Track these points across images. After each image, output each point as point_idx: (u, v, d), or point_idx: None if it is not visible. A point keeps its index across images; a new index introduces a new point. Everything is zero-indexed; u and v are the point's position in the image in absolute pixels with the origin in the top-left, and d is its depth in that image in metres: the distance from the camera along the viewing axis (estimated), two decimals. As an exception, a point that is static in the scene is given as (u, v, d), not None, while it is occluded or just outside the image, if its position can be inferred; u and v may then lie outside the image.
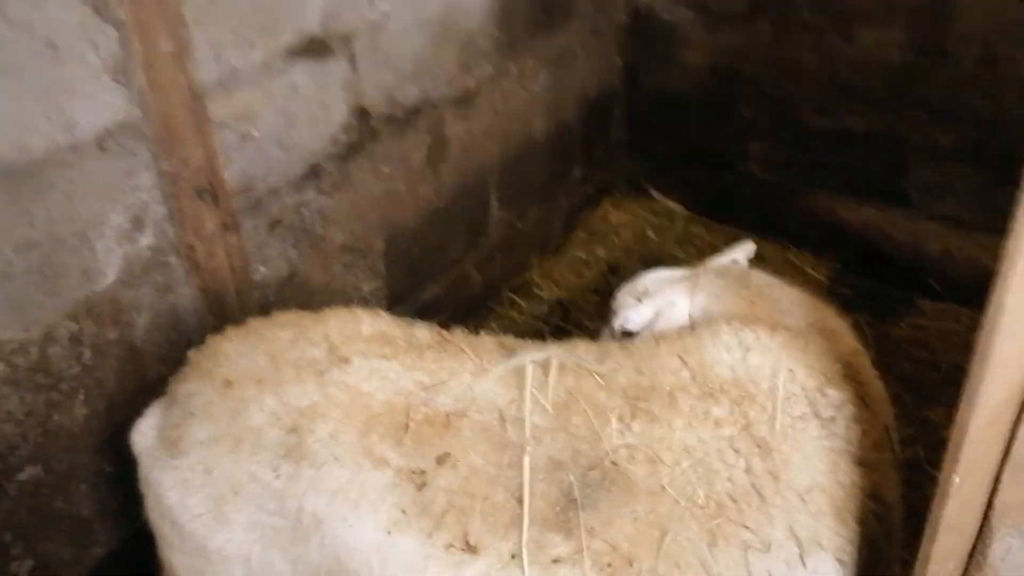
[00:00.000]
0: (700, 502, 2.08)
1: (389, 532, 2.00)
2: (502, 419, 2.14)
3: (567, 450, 2.11)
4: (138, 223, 2.71)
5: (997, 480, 1.80)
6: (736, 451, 2.15)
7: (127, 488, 2.41)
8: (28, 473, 2.66)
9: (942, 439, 3.52)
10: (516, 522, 2.03)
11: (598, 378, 2.23)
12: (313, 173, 3.37)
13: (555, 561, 2.01)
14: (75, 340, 2.66)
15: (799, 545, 2.14)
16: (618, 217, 5.57)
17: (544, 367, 2.24)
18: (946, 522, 1.69)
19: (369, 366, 2.17)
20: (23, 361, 2.54)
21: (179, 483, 2.12)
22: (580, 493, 2.05)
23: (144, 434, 2.24)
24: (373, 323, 2.30)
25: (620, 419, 2.16)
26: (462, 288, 4.59)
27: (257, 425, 2.10)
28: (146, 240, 2.76)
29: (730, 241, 5.39)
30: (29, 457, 2.65)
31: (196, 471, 2.11)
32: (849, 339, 2.53)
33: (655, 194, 5.69)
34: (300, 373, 2.15)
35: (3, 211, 2.36)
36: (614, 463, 2.09)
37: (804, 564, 2.15)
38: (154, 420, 2.25)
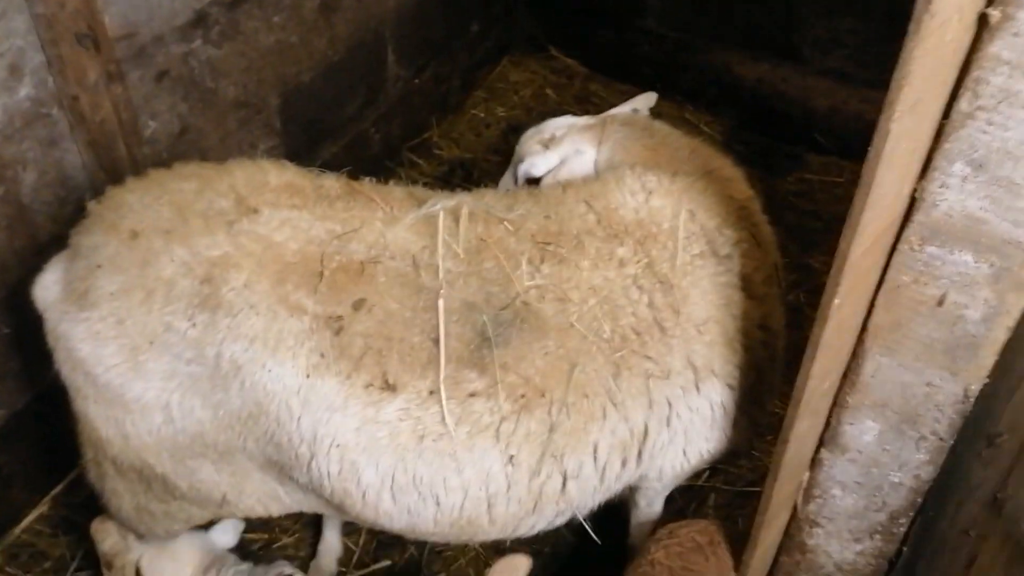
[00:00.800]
0: (606, 336, 2.23)
1: (308, 375, 2.06)
2: (415, 265, 2.19)
3: (480, 293, 2.19)
4: (15, 71, 2.53)
5: (872, 304, 1.98)
6: (640, 288, 2.28)
7: (28, 348, 2.36)
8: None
9: (821, 284, 3.77)
10: (433, 361, 2.12)
11: (508, 225, 2.30)
12: (200, 20, 3.18)
13: (471, 395, 2.13)
14: (-45, 197, 2.52)
15: (695, 372, 2.33)
16: (517, 75, 5.50)
17: (455, 215, 2.28)
18: (825, 342, 1.85)
19: (279, 216, 2.16)
20: (-100, 219, 2.40)
21: (91, 335, 2.10)
22: (493, 332, 2.15)
23: (48, 288, 2.18)
24: (280, 174, 2.28)
25: (530, 262, 2.25)
26: (361, 147, 4.50)
27: (168, 276, 2.07)
28: (25, 90, 2.58)
29: (628, 99, 5.46)
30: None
31: (108, 323, 2.09)
32: (744, 186, 2.67)
33: (554, 52, 5.63)
34: (209, 224, 2.12)
35: None
36: (525, 303, 2.20)
37: (698, 389, 2.35)
38: (57, 274, 2.19)
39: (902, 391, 2.04)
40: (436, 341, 2.12)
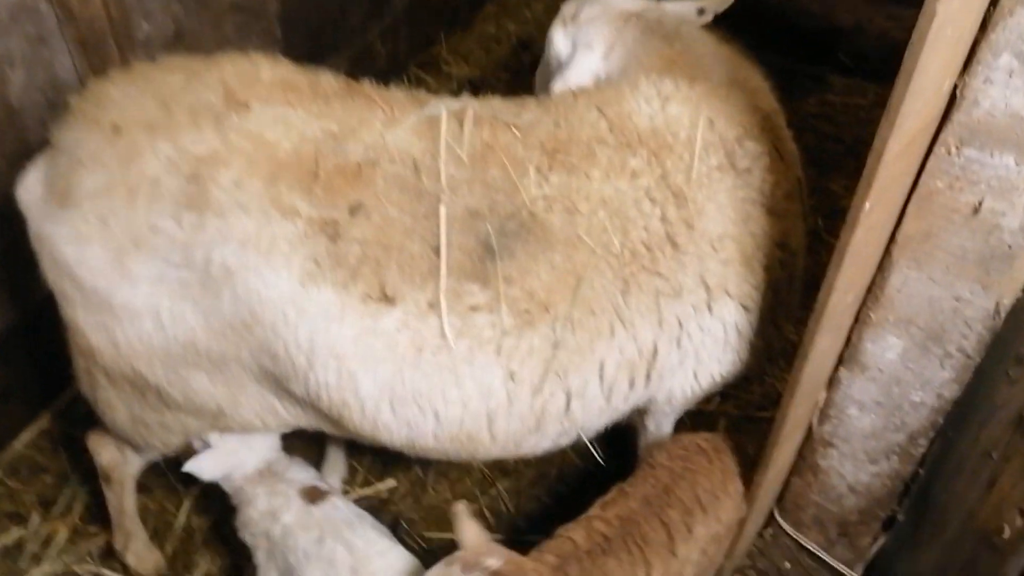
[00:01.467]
0: (615, 251, 2.12)
1: (303, 284, 1.97)
2: (417, 169, 2.07)
3: (484, 201, 2.08)
4: (-2, -37, 2.40)
5: (903, 212, 1.87)
6: (652, 201, 2.17)
7: (24, 259, 2.27)
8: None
9: (841, 208, 3.65)
10: (433, 272, 2.02)
11: (515, 131, 2.17)
12: (196, -84, 3.02)
13: (473, 309, 2.04)
14: (-61, 97, 2.41)
15: (707, 291, 2.23)
16: (530, -11, 5.30)
17: (459, 118, 2.15)
18: (853, 250, 1.75)
19: (272, 112, 2.03)
20: None
21: (74, 236, 2.00)
22: (497, 243, 2.05)
23: (30, 189, 2.08)
24: (273, 69, 2.13)
25: (538, 170, 2.12)
26: (366, 62, 4.33)
27: (153, 173, 1.97)
28: (8, -18, 2.45)
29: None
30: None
31: (91, 223, 1.99)
32: (770, 98, 2.52)
33: (568, -35, 5.41)
34: (196, 119, 1.99)
35: None
36: (532, 214, 2.09)
37: (711, 309, 2.25)
38: (40, 173, 2.08)
39: (929, 306, 1.95)
40: (437, 251, 2.02)
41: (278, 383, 2.14)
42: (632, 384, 2.25)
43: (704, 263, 2.20)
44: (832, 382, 2.22)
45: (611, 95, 2.30)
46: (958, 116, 1.69)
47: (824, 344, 1.99)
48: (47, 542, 2.91)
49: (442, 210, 2.03)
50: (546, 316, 2.08)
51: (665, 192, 2.17)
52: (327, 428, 2.33)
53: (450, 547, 2.97)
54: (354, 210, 2.00)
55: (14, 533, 2.92)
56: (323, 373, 2.02)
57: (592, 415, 2.26)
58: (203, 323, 2.06)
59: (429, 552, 2.95)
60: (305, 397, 2.12)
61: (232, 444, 2.43)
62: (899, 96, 1.49)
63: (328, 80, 2.18)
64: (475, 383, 2.07)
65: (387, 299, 1.99)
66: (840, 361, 2.17)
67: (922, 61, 1.44)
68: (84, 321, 2.12)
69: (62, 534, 2.93)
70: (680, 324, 2.23)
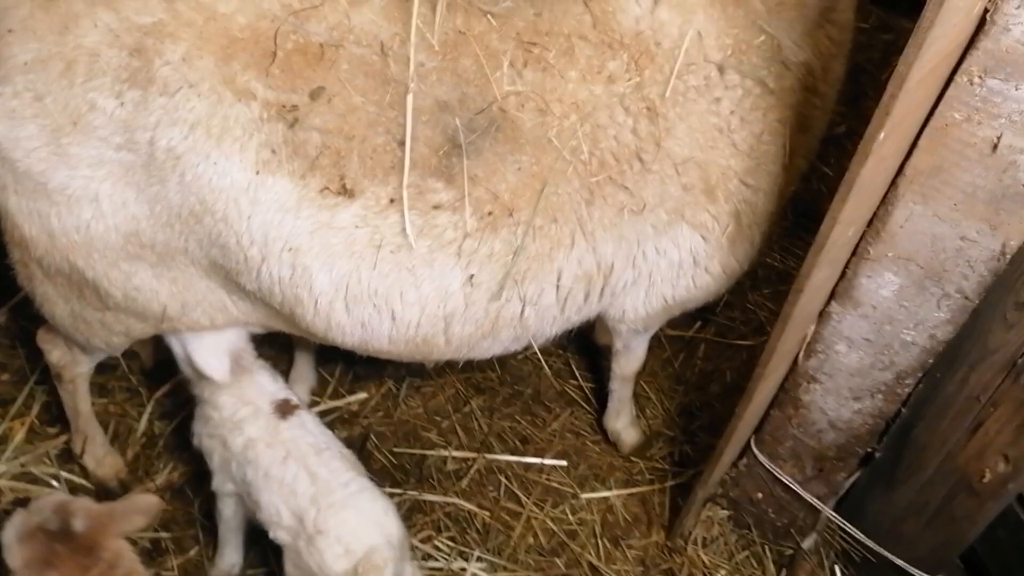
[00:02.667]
0: (583, 158, 2.01)
1: (258, 172, 1.85)
2: (384, 54, 1.92)
3: (454, 92, 1.95)
4: None
5: (914, 144, 1.76)
6: (626, 110, 2.04)
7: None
8: None
9: (835, 136, 3.50)
10: (397, 167, 1.91)
11: (491, 19, 2.01)
12: None
13: (436, 207, 1.95)
14: None
15: (666, 214, 2.13)
16: None
17: (432, 1, 1.98)
18: (860, 183, 1.64)
19: None
20: None
21: (5, 113, 1.85)
22: (465, 139, 1.93)
23: None
24: None
25: (511, 65, 1.98)
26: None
27: (91, 44, 1.81)
28: None
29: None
30: None
31: (24, 99, 1.84)
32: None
33: None
34: None
35: None
36: (502, 110, 1.97)
37: (667, 233, 2.17)
38: None
39: (932, 243, 1.86)
40: (402, 144, 1.90)
41: (228, 277, 2.04)
42: (587, 297, 2.21)
43: (665, 185, 2.10)
44: (822, 316, 2.15)
45: None
46: (985, 43, 1.57)
47: (821, 277, 1.91)
48: (2, 442, 2.83)
49: (409, 100, 1.90)
50: (509, 220, 2.00)
51: (639, 104, 2.04)
52: (278, 326, 2.25)
53: (420, 462, 2.96)
54: (315, 95, 1.87)
55: (-31, 433, 2.84)
56: (276, 267, 1.94)
57: (545, 323, 2.22)
58: (147, 211, 1.94)
59: (398, 468, 2.92)
60: (257, 292, 2.03)
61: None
62: (930, 17, 1.37)
63: None
64: (434, 285, 2.01)
65: (346, 192, 1.89)
66: (832, 295, 2.09)
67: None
68: (17, 208, 1.98)
69: (19, 434, 2.85)
70: (638, 243, 2.17)
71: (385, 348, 2.13)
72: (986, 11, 1.54)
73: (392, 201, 1.91)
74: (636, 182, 2.06)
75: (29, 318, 2.98)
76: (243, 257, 1.93)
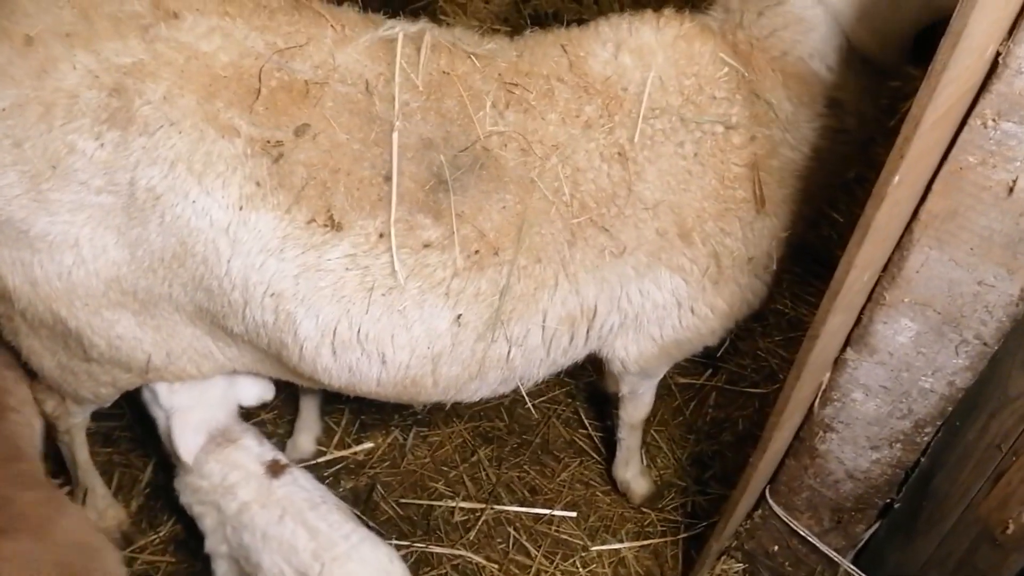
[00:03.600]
0: (565, 199, 2.02)
1: (241, 208, 1.84)
2: (368, 92, 1.94)
3: (438, 131, 1.97)
4: None
5: (928, 188, 1.75)
6: (602, 156, 2.05)
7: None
8: None
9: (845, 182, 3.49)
10: (384, 200, 1.91)
11: (474, 60, 2.03)
12: None
13: (426, 246, 1.94)
14: None
15: (646, 256, 2.13)
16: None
17: (416, 42, 2.00)
18: (876, 227, 1.63)
19: (207, 23, 1.88)
20: None
21: None
22: (450, 175, 1.94)
23: None
24: None
25: (494, 105, 2.00)
26: (356, 6, 4.14)
27: (70, 86, 1.81)
28: None
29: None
30: None
31: (3, 146, 1.83)
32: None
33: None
34: (119, 27, 1.84)
35: None
36: (486, 149, 1.98)
37: (648, 276, 2.16)
38: None
39: (949, 289, 1.84)
40: (388, 178, 1.90)
41: (214, 322, 2.03)
42: (572, 339, 2.19)
43: (640, 228, 2.10)
44: (838, 364, 2.11)
45: (579, 33, 2.15)
46: (998, 86, 1.56)
47: (836, 323, 1.88)
48: (7, 493, 2.78)
49: (395, 136, 1.91)
50: (495, 259, 2.00)
51: (611, 148, 2.06)
52: (265, 370, 2.23)
53: (427, 513, 2.90)
54: (300, 131, 1.88)
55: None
56: (259, 312, 1.92)
57: (532, 365, 2.20)
58: (128, 256, 1.93)
59: (405, 519, 2.86)
60: (244, 335, 2.02)
61: (185, 401, 2.28)
62: (943, 60, 1.36)
63: None
64: (424, 327, 1.99)
65: (334, 225, 1.89)
66: (848, 342, 2.06)
67: (972, 21, 1.31)
68: (0, 259, 1.97)
69: (22, 485, 2.80)
70: (620, 285, 2.16)
71: (373, 390, 2.11)
72: (998, 54, 1.54)
73: (381, 236, 1.90)
74: (614, 225, 2.07)
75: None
76: (226, 301, 1.92)
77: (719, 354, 3.30)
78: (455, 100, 1.98)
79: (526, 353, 2.12)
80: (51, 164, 1.83)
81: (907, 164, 1.53)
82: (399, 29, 1.98)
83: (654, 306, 2.20)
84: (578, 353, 2.27)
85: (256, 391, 2.38)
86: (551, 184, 2.00)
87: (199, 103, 1.82)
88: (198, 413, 2.27)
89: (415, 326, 1.96)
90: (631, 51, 2.06)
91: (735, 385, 3.29)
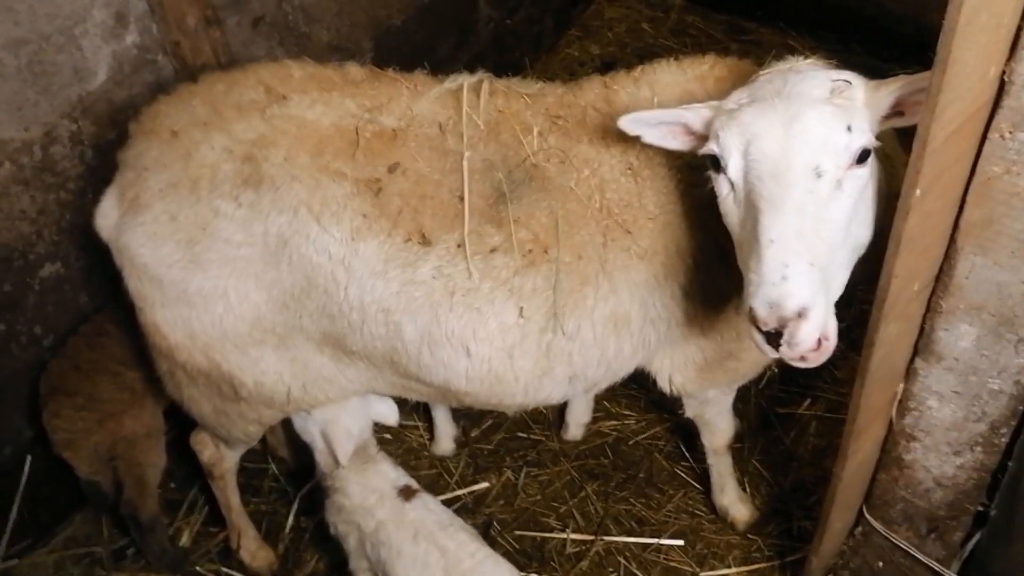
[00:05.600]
0: (597, 206, 2.30)
1: (353, 238, 2.20)
2: (442, 132, 2.33)
3: (497, 154, 2.32)
4: (121, 19, 2.71)
5: (963, 199, 1.89)
6: (619, 169, 2.32)
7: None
8: (49, 270, 2.81)
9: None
10: (460, 216, 2.25)
11: (525, 98, 2.41)
12: (292, -34, 3.30)
13: (492, 250, 2.26)
14: (75, 140, 2.72)
15: (661, 265, 2.33)
16: (612, 11, 5.41)
17: (476, 90, 2.39)
18: (907, 238, 1.78)
19: (309, 98, 2.30)
20: (28, 160, 2.62)
21: (148, 238, 2.25)
22: (508, 188, 2.29)
23: (106, 214, 2.33)
24: (303, 67, 2.41)
25: (540, 134, 2.35)
26: (456, 90, 4.55)
27: (211, 162, 2.22)
28: (131, 37, 2.76)
29: (727, 30, 5.28)
30: (48, 254, 2.79)
31: (161, 221, 2.24)
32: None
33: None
34: (243, 112, 2.26)
35: (-14, 9, 2.37)
36: (534, 165, 2.32)
37: (665, 287, 2.36)
38: (111, 197, 2.34)
39: (998, 291, 1.95)
40: (462, 198, 2.25)
41: (338, 345, 2.35)
42: (618, 341, 2.38)
43: (653, 238, 2.31)
44: (909, 373, 2.22)
45: (623, 73, 2.44)
46: (1007, 101, 1.72)
47: (892, 331, 2.01)
48: (173, 541, 3.17)
49: (465, 164, 2.27)
50: (545, 257, 2.27)
51: (624, 164, 2.33)
52: (379, 385, 2.52)
53: (540, 546, 3.10)
54: (392, 168, 2.25)
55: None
56: (374, 326, 2.26)
57: (591, 365, 2.40)
58: (265, 297, 2.29)
59: (520, 552, 3.07)
60: (363, 349, 2.33)
61: (333, 413, 2.62)
62: (936, 84, 1.55)
63: (355, 69, 2.45)
64: (496, 321, 2.27)
65: (425, 241, 2.22)
66: (915, 352, 2.18)
67: (955, 49, 1.50)
68: (163, 319, 2.35)
69: (186, 534, 3.19)
70: (648, 292, 2.34)
71: (464, 387, 2.37)
72: (1003, 73, 1.71)
73: (459, 246, 2.23)
74: (634, 228, 2.31)
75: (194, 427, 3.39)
76: (347, 322, 2.26)
77: (815, 383, 3.40)
78: (509, 130, 2.34)
79: (583, 350, 2.34)
80: (201, 227, 2.23)
81: (926, 178, 1.69)
82: (462, 80, 2.37)
83: (675, 323, 2.40)
84: (627, 360, 2.46)
85: (385, 408, 2.74)
86: (585, 192, 2.29)
87: (312, 158, 2.21)
88: (346, 421, 2.62)
89: (490, 320, 2.25)
90: (650, 84, 2.36)
91: (834, 413, 3.36)
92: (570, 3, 5.33)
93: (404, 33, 4.02)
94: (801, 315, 1.72)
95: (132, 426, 2.84)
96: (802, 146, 1.80)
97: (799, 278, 1.73)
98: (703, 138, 2.01)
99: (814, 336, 1.74)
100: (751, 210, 1.84)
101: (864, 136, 1.83)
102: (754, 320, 1.75)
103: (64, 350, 2.85)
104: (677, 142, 2.09)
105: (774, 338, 1.74)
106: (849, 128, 1.82)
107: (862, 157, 1.84)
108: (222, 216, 2.22)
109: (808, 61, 2.09)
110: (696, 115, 2.03)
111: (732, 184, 1.91)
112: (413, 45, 4.12)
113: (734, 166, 1.88)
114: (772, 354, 1.79)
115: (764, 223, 1.78)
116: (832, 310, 1.83)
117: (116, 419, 2.81)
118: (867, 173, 1.87)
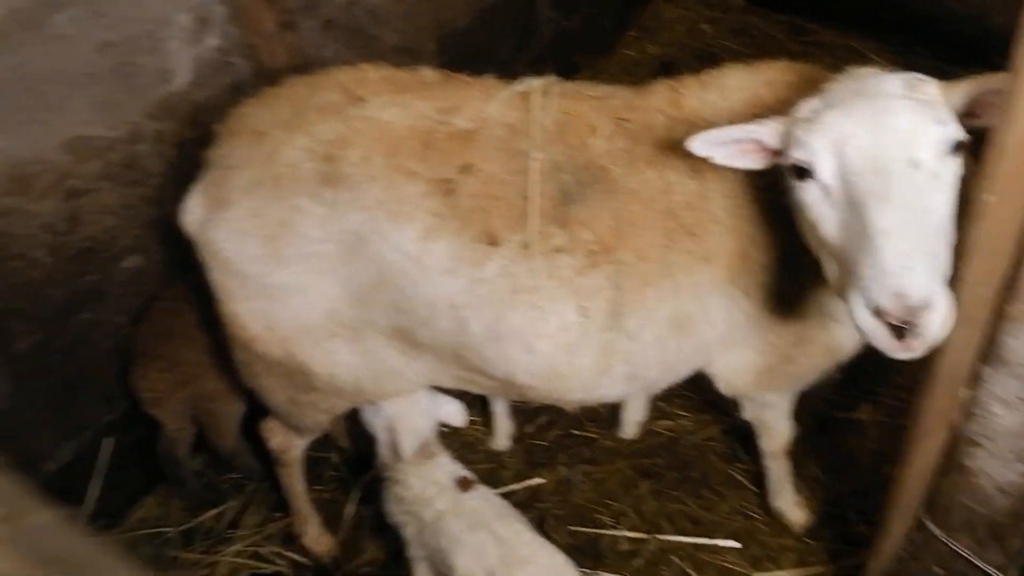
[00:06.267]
0: (659, 207, 2.33)
1: (425, 238, 2.26)
2: (511, 133, 2.37)
3: (564, 156, 2.36)
4: (203, 23, 2.82)
5: (1034, 205, 1.88)
6: (683, 170, 2.33)
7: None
8: (131, 262, 2.93)
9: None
10: (526, 217, 2.29)
11: (593, 100, 2.43)
12: (361, -30, 3.39)
13: (557, 251, 2.30)
14: (158, 139, 2.85)
15: (722, 268, 2.35)
16: (671, 12, 5.43)
17: (545, 92, 2.43)
18: (981, 243, 1.79)
19: (384, 100, 2.36)
20: (114, 158, 2.74)
21: (232, 233, 2.34)
22: (574, 190, 2.32)
23: (191, 211, 2.42)
24: (378, 70, 2.48)
25: (607, 138, 2.37)
26: (515, 91, 4.61)
27: (293, 161, 2.30)
28: (211, 40, 2.87)
29: (788, 31, 5.25)
30: (130, 247, 2.91)
31: (245, 217, 2.32)
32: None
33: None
34: (323, 114, 2.34)
35: (80, 13, 2.49)
36: (600, 167, 2.35)
37: (723, 290, 2.37)
38: (197, 195, 2.43)
39: (1068, 298, 1.94)
40: (527, 200, 2.29)
41: (406, 338, 2.42)
42: (678, 343, 2.41)
43: (718, 241, 2.33)
44: (974, 379, 2.22)
45: (692, 77, 2.46)
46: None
47: (960, 338, 2.01)
48: (236, 527, 3.29)
49: (534, 165, 2.30)
50: (608, 257, 2.30)
51: (690, 167, 2.33)
52: (444, 379, 2.59)
53: (594, 543, 3.14)
54: (464, 169, 2.30)
55: (211, 516, 3.32)
56: (441, 321, 2.32)
57: (650, 365, 2.44)
58: (341, 291, 2.36)
59: (574, 548, 3.11)
60: (431, 343, 2.40)
61: (402, 409, 2.71)
62: (1015, 88, 1.56)
63: (428, 72, 2.52)
64: (558, 319, 2.31)
65: (492, 240, 2.28)
66: (981, 357, 2.17)
67: (1032, 55, 1.51)
68: (244, 311, 2.44)
69: (252, 519, 3.30)
70: (708, 295, 2.36)
71: (527, 383, 2.42)
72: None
73: (524, 246, 2.27)
74: (697, 231, 2.33)
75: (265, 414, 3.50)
76: (417, 317, 2.33)
77: (876, 387, 3.39)
78: (576, 132, 2.37)
79: (643, 350, 2.38)
80: (282, 224, 2.31)
81: (1000, 184, 1.70)
82: (531, 83, 2.42)
83: (736, 325, 2.42)
84: (687, 361, 2.49)
85: (453, 409, 2.81)
86: (649, 194, 2.32)
87: (387, 158, 2.28)
88: (413, 418, 2.70)
89: (551, 318, 2.29)
90: (719, 88, 2.38)
91: (894, 418, 3.35)
92: (627, 3, 5.36)
93: (466, 35, 4.10)
94: (927, 303, 1.72)
95: (213, 385, 3.03)
96: (895, 140, 1.82)
97: (920, 267, 1.74)
98: (776, 153, 2.04)
99: (942, 326, 1.74)
100: (855, 207, 1.84)
101: (952, 127, 1.85)
102: (877, 314, 1.75)
103: (148, 315, 3.03)
104: (748, 160, 2.11)
105: (898, 331, 1.74)
106: (937, 120, 1.84)
107: (953, 149, 1.85)
108: (302, 213, 2.30)
109: (874, 70, 2.10)
110: (768, 129, 2.05)
111: (825, 188, 1.91)
112: (475, 47, 4.19)
113: (827, 169, 1.89)
114: (894, 352, 1.79)
115: (873, 217, 1.78)
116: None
117: (197, 380, 3.01)
118: (960, 165, 1.88)
